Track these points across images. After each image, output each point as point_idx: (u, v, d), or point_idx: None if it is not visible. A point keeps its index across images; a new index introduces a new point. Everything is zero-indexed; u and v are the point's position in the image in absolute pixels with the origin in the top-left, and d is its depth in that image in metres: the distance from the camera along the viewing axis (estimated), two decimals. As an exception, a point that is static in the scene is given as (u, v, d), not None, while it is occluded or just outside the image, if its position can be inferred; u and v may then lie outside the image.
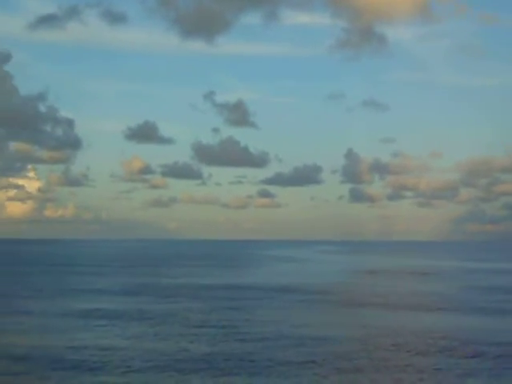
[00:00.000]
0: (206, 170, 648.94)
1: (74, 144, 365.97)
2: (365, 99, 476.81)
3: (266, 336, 40.33)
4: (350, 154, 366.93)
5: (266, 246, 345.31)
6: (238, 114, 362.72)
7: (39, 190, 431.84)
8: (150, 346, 36.68)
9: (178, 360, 32.90)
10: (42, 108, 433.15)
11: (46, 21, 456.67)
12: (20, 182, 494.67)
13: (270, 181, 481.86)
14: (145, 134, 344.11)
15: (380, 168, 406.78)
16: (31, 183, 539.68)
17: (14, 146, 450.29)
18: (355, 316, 52.11)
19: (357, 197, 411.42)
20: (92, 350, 35.14)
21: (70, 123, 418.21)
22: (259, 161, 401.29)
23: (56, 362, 32.19)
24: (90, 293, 68.36)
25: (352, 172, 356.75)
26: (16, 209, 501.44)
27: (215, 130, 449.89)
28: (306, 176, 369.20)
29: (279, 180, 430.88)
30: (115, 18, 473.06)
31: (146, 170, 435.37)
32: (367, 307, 58.05)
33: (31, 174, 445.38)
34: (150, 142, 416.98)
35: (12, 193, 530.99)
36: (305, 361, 32.83)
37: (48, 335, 40.54)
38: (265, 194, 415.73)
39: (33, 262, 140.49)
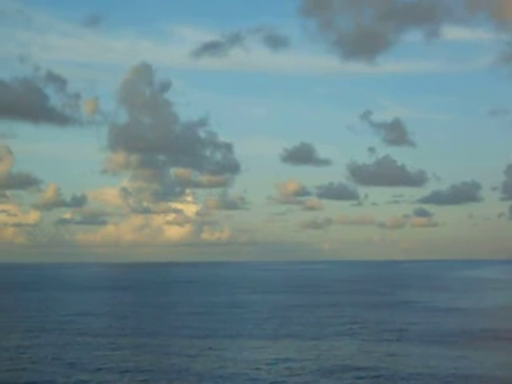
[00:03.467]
0: (361, 190, 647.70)
1: (233, 168, 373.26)
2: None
3: None
4: (510, 170, 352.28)
5: (435, 266, 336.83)
6: (395, 132, 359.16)
7: (197, 213, 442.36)
8: None
9: None
10: (202, 134, 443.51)
11: (209, 48, 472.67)
12: (179, 206, 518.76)
13: (427, 199, 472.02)
14: (301, 155, 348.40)
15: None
16: (189, 207, 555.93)
17: (175, 171, 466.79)
18: None
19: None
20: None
21: (228, 147, 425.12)
22: (416, 179, 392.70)
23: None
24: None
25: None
26: (174, 232, 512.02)
27: (371, 150, 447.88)
28: (464, 194, 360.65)
29: (436, 198, 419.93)
30: (277, 42, 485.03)
31: (302, 192, 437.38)
32: None
33: (189, 198, 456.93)
34: (306, 164, 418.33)
35: (171, 217, 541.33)
36: None
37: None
38: (422, 213, 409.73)
39: (231, 287, 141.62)
